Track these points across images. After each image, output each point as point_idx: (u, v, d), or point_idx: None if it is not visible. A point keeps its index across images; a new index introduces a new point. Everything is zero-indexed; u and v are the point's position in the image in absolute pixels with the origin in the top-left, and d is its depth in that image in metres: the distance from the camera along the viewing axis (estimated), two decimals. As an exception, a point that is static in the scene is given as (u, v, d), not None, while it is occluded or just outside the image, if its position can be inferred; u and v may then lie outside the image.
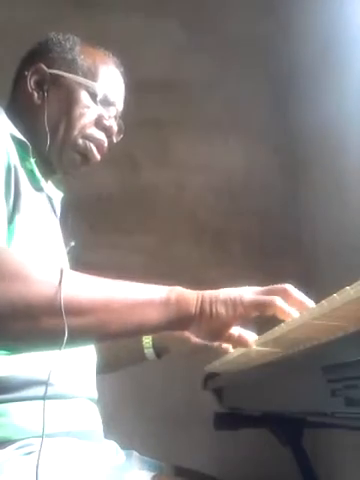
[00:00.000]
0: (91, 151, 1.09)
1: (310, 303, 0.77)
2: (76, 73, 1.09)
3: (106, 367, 1.14)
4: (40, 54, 1.11)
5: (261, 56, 2.35)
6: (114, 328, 0.78)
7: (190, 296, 0.80)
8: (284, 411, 0.97)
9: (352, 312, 0.53)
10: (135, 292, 0.80)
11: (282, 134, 2.31)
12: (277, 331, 0.70)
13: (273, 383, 0.87)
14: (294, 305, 0.77)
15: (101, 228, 2.12)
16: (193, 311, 0.78)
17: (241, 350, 0.87)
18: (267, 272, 2.12)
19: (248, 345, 0.82)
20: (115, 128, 1.12)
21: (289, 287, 0.79)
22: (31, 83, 1.08)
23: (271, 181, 2.30)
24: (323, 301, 0.56)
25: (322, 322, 0.57)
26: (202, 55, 2.34)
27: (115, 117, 1.13)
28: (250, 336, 0.91)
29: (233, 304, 0.78)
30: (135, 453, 1.06)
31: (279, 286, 0.80)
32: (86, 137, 1.08)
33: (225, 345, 0.95)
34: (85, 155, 1.09)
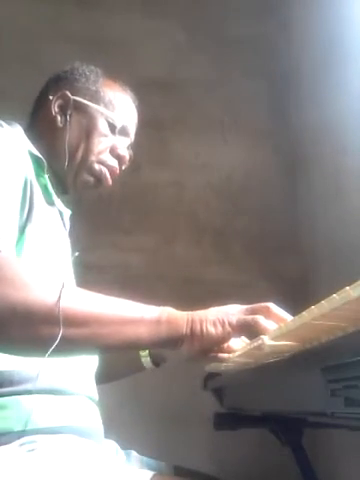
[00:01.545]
0: (105, 176, 1.16)
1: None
2: (98, 103, 1.16)
3: (104, 377, 1.16)
4: (65, 81, 1.19)
5: (261, 56, 2.35)
6: (105, 341, 0.82)
7: (180, 317, 0.85)
8: (284, 411, 0.97)
9: (352, 312, 0.53)
10: (128, 309, 0.84)
11: (282, 134, 2.31)
12: (276, 332, 0.70)
13: (273, 383, 0.87)
14: (277, 322, 0.83)
15: (101, 227, 2.12)
16: (183, 331, 0.83)
17: (242, 350, 0.87)
18: (267, 271, 2.13)
19: (234, 352, 0.87)
20: (127, 157, 1.20)
21: (271, 305, 0.86)
22: (55, 107, 1.15)
23: (271, 181, 2.30)
24: (323, 301, 0.55)
25: (322, 322, 0.57)
26: (202, 55, 2.34)
27: (127, 147, 1.21)
28: (237, 344, 0.94)
29: (222, 324, 0.84)
30: (135, 453, 1.07)
31: (262, 305, 0.86)
32: (101, 163, 1.16)
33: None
34: (99, 179, 1.16)
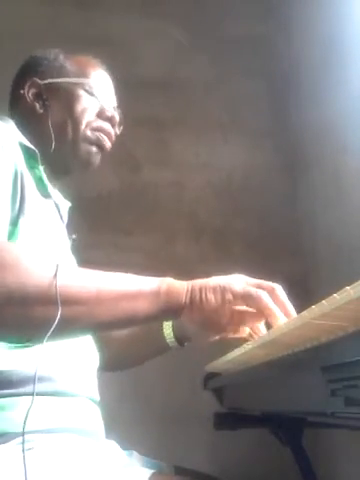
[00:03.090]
0: (103, 140, 1.16)
1: (292, 310, 0.80)
2: (68, 76, 1.16)
3: (127, 360, 1.15)
4: (30, 70, 1.19)
5: (261, 56, 2.35)
6: (104, 318, 0.81)
7: (180, 286, 0.83)
8: (284, 411, 0.97)
9: (352, 312, 0.53)
10: (126, 283, 0.83)
11: (282, 134, 2.31)
12: (276, 331, 0.70)
13: (273, 383, 0.87)
14: (278, 305, 0.80)
15: (101, 227, 2.12)
16: (183, 300, 0.81)
17: (242, 350, 0.87)
18: (267, 272, 2.12)
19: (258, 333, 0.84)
20: (117, 117, 1.19)
21: (278, 287, 0.83)
22: (29, 97, 1.15)
23: (271, 181, 2.30)
24: (323, 301, 0.55)
25: (322, 322, 0.57)
26: (202, 55, 2.34)
27: (114, 108, 1.20)
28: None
29: (222, 291, 0.82)
30: (135, 453, 1.07)
31: (269, 283, 0.83)
32: (94, 129, 1.15)
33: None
34: (98, 145, 1.16)
